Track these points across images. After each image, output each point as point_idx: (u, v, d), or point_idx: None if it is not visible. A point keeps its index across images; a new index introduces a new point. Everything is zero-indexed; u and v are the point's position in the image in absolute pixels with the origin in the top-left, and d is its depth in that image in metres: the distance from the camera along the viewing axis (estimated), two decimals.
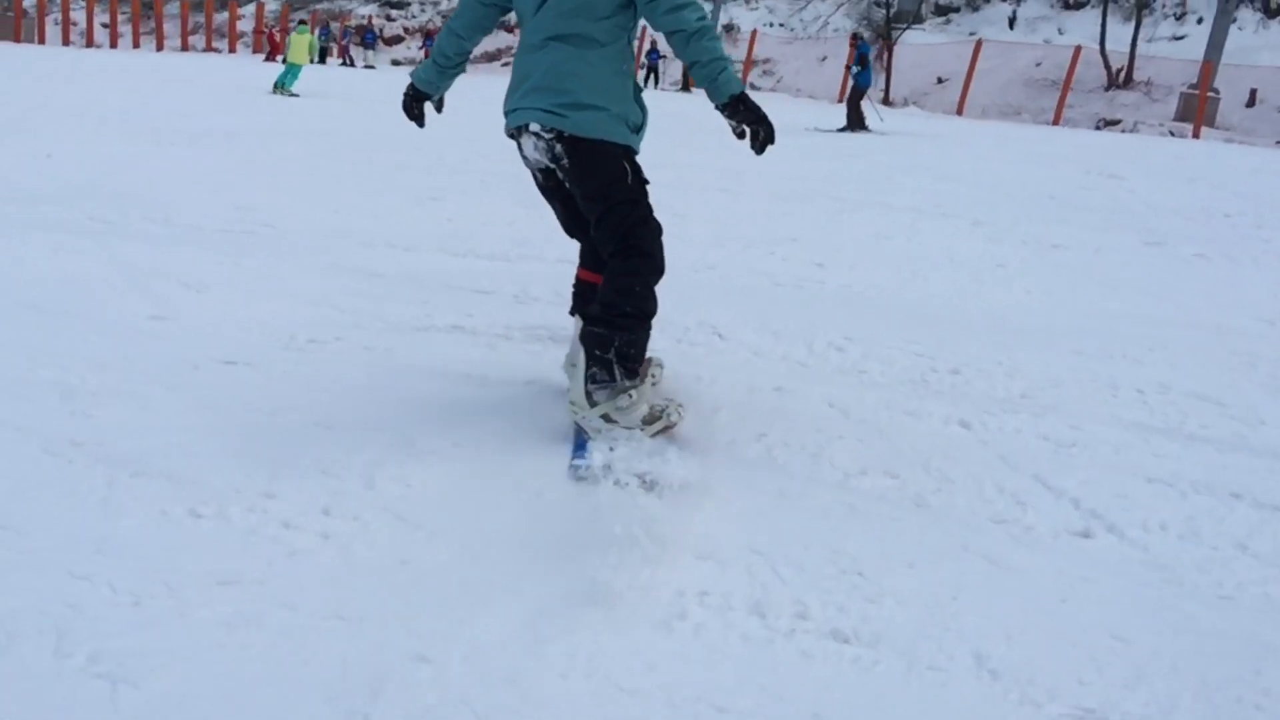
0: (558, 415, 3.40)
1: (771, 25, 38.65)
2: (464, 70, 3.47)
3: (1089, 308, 5.53)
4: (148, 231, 6.56)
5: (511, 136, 3.19)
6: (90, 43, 31.75)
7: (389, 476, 2.78)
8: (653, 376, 3.27)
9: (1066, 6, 36.56)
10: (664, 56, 30.88)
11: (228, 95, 18.79)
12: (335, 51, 34.80)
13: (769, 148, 2.95)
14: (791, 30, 38.25)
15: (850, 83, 19.50)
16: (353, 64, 34.64)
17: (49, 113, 13.50)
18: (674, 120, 18.57)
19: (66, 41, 31.79)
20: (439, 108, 3.63)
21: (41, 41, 31.75)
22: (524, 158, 3.19)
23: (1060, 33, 34.99)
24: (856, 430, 3.42)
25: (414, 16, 40.30)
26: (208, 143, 11.68)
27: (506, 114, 3.16)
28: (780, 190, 10.19)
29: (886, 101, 30.51)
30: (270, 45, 29.41)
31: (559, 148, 3.00)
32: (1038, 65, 32.36)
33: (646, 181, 3.17)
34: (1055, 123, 27.33)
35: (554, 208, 3.38)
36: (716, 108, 2.95)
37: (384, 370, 3.78)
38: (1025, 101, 30.71)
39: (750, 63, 34.60)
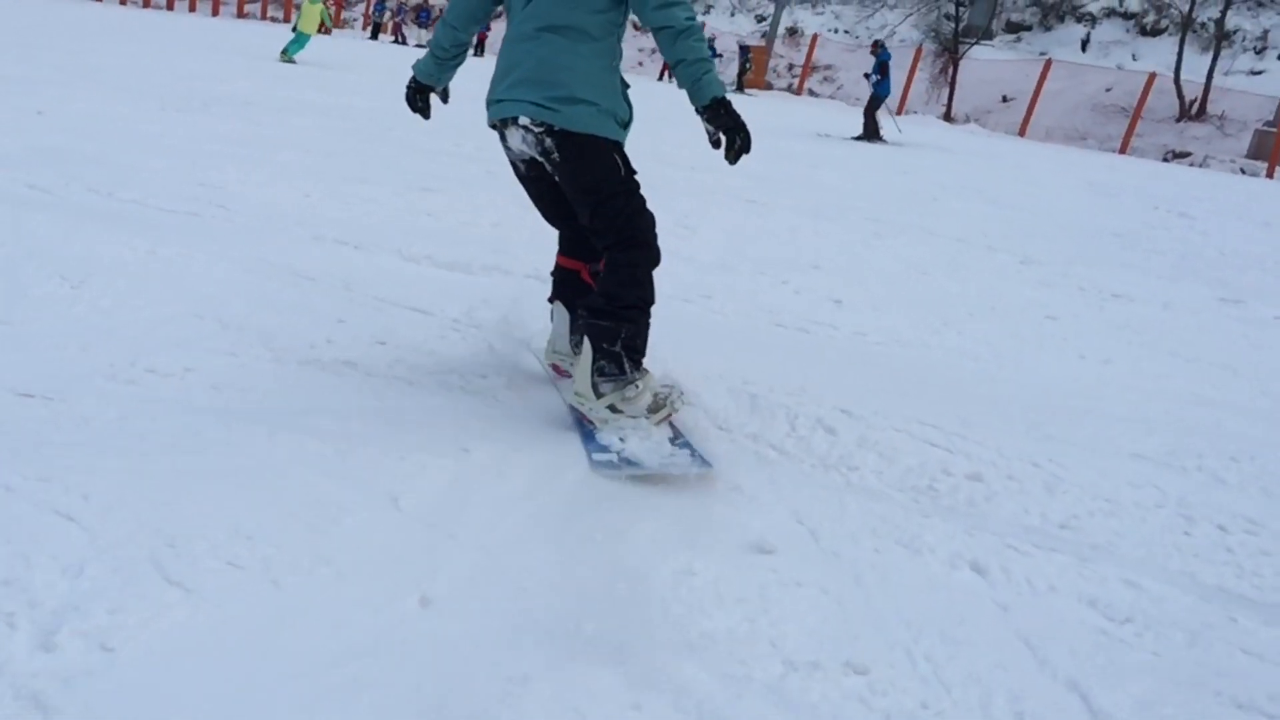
0: (416, 514, 2.43)
1: (836, 31, 37.33)
2: (463, 61, 3.39)
3: (1155, 386, 4.44)
4: (81, 204, 5.68)
5: (494, 127, 3.14)
6: (147, 3, 31.06)
7: (84, 629, 1.80)
8: None
9: (1143, 32, 34.90)
10: (719, 55, 29.67)
11: (262, 63, 18.00)
12: (388, 28, 33.85)
13: (744, 157, 2.88)
14: (856, 38, 36.91)
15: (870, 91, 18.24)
16: (404, 42, 33.71)
17: (68, 70, 12.75)
18: None
19: (124, 1, 31.18)
20: (445, 98, 3.55)
21: None
22: (507, 149, 3.13)
23: (1134, 59, 33.37)
24: (823, 573, 2.39)
25: None
26: (217, 110, 10.84)
27: (490, 104, 3.08)
28: (815, 204, 9.13)
29: (948, 117, 29.18)
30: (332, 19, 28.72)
31: (549, 141, 2.93)
32: (1108, 90, 30.81)
33: (635, 172, 3.07)
34: (1122, 151, 25.84)
35: (533, 198, 3.34)
36: (696, 110, 2.86)
37: (214, 423, 2.81)
38: (1092, 127, 29.22)
39: (809, 68, 33.34)
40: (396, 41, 33.68)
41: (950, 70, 31.50)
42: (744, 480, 2.86)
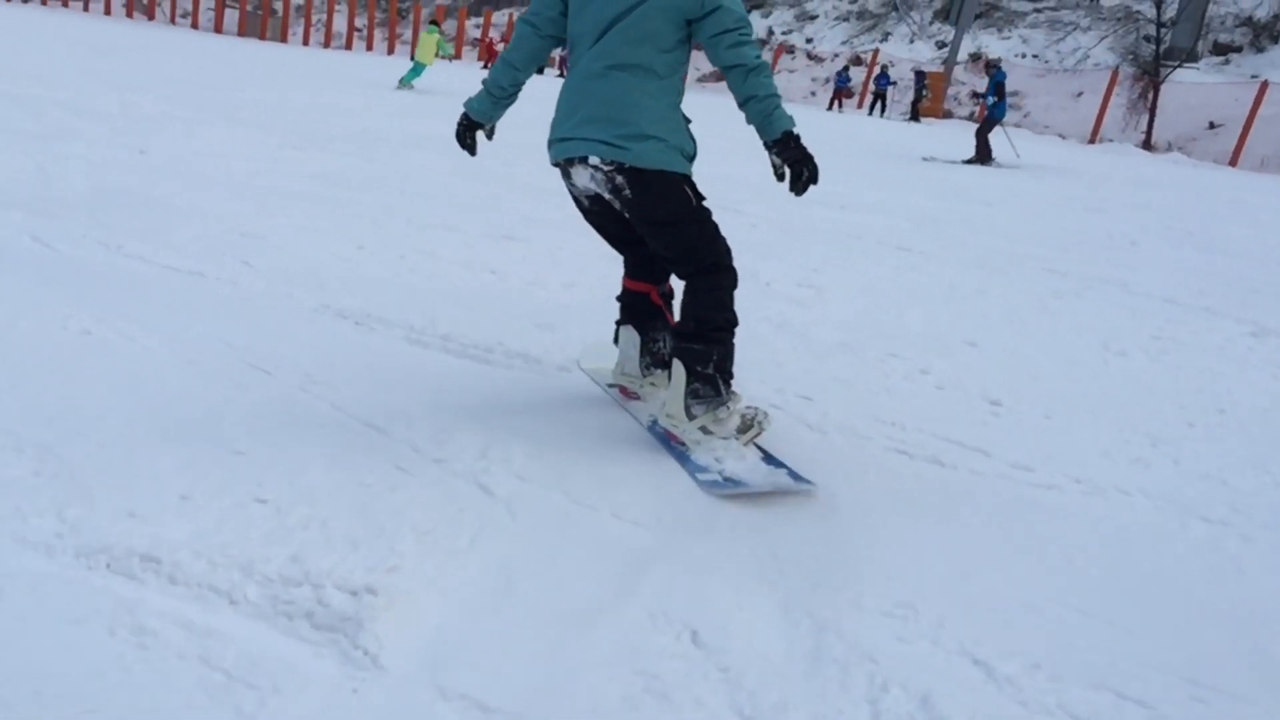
0: None
1: (1024, 56, 34.62)
2: (515, 100, 3.28)
3: None
4: (68, 260, 4.69)
5: (557, 165, 3.07)
6: (327, 43, 31.37)
7: None
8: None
9: None
10: (894, 83, 27.63)
11: (415, 100, 17.38)
12: (554, 61, 32.90)
13: (810, 188, 2.87)
14: (1046, 62, 34.13)
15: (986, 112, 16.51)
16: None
17: (209, 107, 12.24)
18: (880, 152, 15.78)
19: (307, 41, 31.52)
20: (490, 135, 3.39)
21: (284, 40, 31.59)
22: (572, 185, 3.08)
23: None
24: None
25: None
26: (337, 146, 10.02)
27: (554, 142, 3.03)
28: (982, 251, 7.40)
29: (1147, 145, 26.29)
30: (489, 55, 28.11)
31: (619, 179, 2.89)
32: None
33: (704, 198, 3.01)
34: None
35: (596, 228, 3.26)
36: (765, 144, 2.84)
37: None
38: None
39: None
40: (561, 75, 32.68)
41: (1150, 95, 28.48)
42: None
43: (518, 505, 2.52)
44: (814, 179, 2.82)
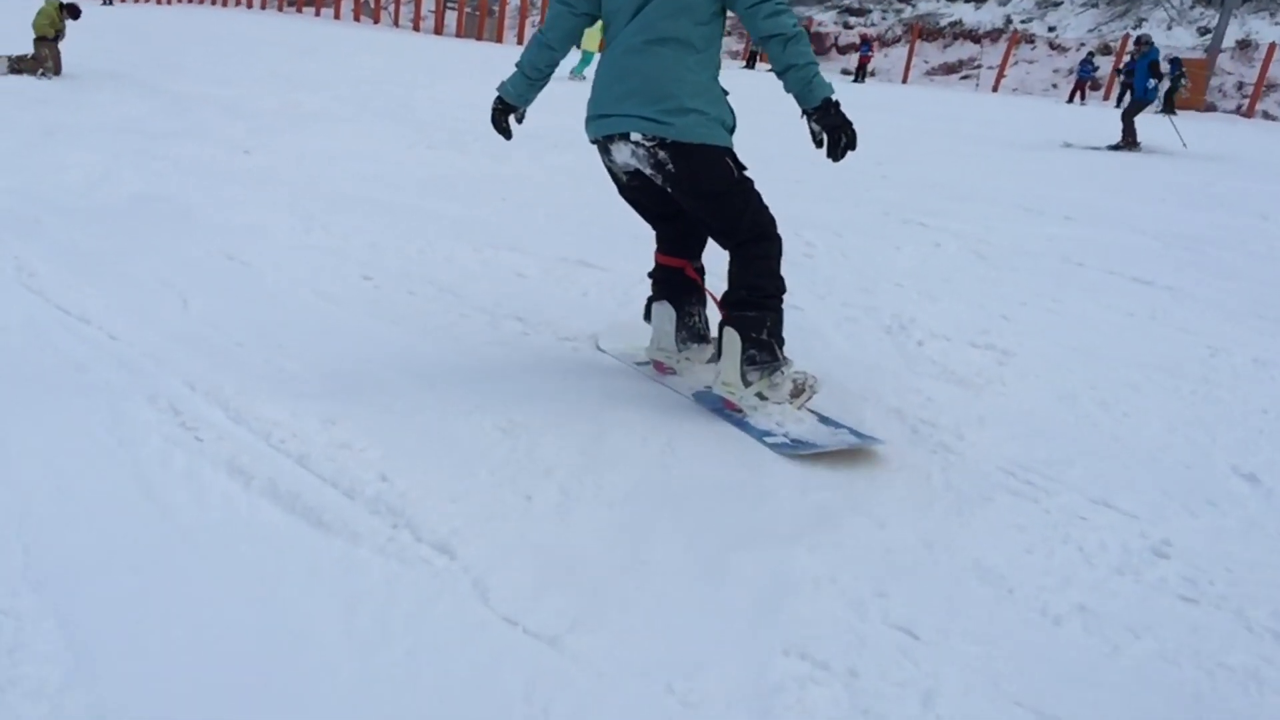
0: None
1: None
2: (548, 82, 3.17)
3: None
4: None
5: (595, 142, 2.97)
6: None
7: None
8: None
9: None
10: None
11: (584, 91, 15.98)
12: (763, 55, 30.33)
13: (849, 154, 2.73)
14: None
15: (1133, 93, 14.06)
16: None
17: (369, 107, 11.17)
18: (1123, 159, 13.00)
19: (521, 40, 30.73)
20: (520, 119, 3.26)
21: (499, 40, 30.81)
22: (610, 162, 2.99)
23: None
24: None
25: (873, 25, 35.26)
26: (478, 147, 8.64)
27: (593, 119, 2.92)
28: (1263, 290, 5.08)
29: None
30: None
31: (662, 154, 2.79)
32: None
33: (745, 168, 2.91)
34: None
35: (631, 203, 3.18)
36: (805, 112, 2.75)
37: None
38: None
39: (1262, 85, 26.31)
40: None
41: None
42: None
43: None
44: (852, 144, 2.71)
